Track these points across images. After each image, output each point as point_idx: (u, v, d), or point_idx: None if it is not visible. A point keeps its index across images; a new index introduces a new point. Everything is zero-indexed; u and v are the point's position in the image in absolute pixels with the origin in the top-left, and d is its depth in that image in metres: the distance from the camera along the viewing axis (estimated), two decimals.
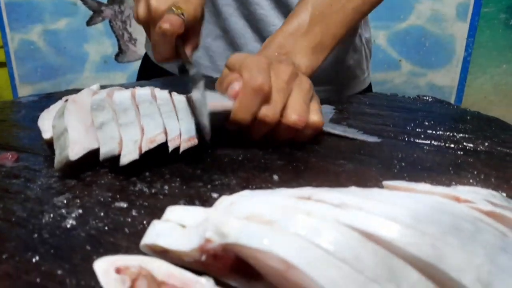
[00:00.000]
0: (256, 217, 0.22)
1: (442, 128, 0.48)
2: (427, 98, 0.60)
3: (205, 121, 0.39)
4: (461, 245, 0.20)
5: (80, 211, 0.31)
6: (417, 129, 0.48)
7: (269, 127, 0.41)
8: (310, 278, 0.18)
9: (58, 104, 0.44)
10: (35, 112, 0.45)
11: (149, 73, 0.83)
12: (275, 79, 0.41)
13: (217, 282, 0.21)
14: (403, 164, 0.39)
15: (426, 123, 0.50)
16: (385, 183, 0.30)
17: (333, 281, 0.18)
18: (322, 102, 0.48)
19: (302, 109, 0.41)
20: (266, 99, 0.40)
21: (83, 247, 0.27)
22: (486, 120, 0.51)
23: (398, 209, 0.21)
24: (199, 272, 0.22)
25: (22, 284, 0.24)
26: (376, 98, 0.60)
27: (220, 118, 0.41)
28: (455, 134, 0.46)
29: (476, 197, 0.27)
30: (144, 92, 0.41)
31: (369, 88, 0.84)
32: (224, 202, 0.26)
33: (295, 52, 0.49)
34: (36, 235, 0.28)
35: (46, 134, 0.39)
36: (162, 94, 0.42)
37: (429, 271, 0.19)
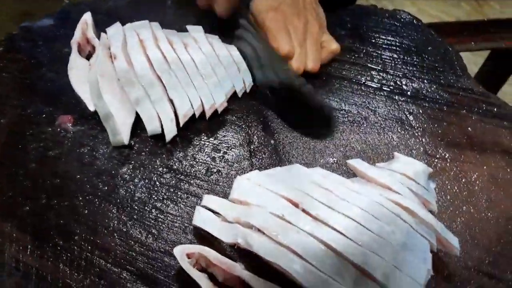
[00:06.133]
0: (266, 229, 0.37)
1: (398, 68, 0.59)
2: (401, 16, 0.67)
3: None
4: (378, 249, 0.37)
5: (142, 182, 0.45)
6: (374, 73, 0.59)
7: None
8: (289, 272, 0.35)
9: (76, 57, 0.53)
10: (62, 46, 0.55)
11: None
12: (295, 36, 0.53)
13: (246, 267, 0.38)
14: (357, 119, 0.53)
15: (387, 60, 0.60)
16: (348, 162, 0.45)
17: (301, 274, 0.35)
18: None
19: (315, 56, 0.54)
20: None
21: (154, 218, 0.43)
22: (443, 53, 0.61)
23: (347, 222, 0.37)
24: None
25: (123, 251, 0.40)
26: (356, 16, 0.67)
27: None
28: (407, 74, 0.58)
29: (402, 187, 0.42)
30: (156, 56, 0.50)
31: None
32: (239, 194, 0.42)
33: None
34: (121, 207, 0.43)
35: (91, 107, 0.50)
36: (170, 55, 0.50)
37: (360, 268, 0.36)
